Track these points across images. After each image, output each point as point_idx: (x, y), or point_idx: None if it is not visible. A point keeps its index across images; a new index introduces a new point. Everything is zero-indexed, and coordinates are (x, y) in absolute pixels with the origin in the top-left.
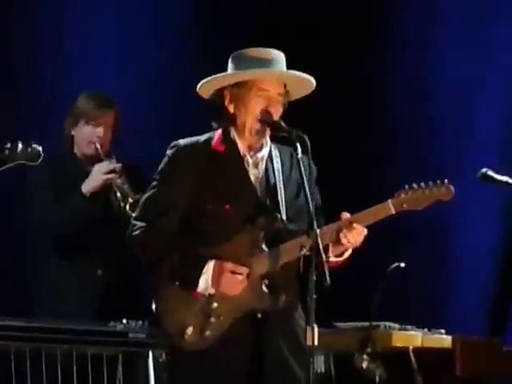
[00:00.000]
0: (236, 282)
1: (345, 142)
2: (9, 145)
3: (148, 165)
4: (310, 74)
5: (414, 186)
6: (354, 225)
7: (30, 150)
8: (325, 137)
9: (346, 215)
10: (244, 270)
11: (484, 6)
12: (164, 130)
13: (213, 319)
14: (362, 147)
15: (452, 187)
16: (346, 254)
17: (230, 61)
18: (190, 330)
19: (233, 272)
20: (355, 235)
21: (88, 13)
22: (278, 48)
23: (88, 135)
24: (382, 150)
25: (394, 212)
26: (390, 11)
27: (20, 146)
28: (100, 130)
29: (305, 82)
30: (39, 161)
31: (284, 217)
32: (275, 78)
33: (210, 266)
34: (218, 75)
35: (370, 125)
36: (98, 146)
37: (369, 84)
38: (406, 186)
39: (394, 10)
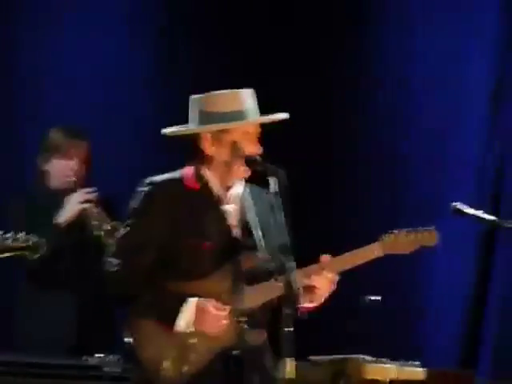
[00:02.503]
0: (218, 321)
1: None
2: (10, 234)
3: (118, 196)
4: None
5: (398, 230)
6: (324, 272)
7: (31, 242)
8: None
9: (326, 258)
10: (226, 309)
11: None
12: (129, 160)
13: (192, 355)
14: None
15: (437, 233)
16: (319, 302)
17: (193, 106)
18: (166, 365)
19: (215, 311)
20: (324, 281)
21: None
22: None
23: (62, 169)
24: (356, 178)
25: (377, 255)
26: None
27: (23, 236)
28: (74, 163)
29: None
30: (40, 253)
31: (262, 255)
32: (256, 124)
33: (190, 305)
34: (198, 129)
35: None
36: (73, 179)
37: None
38: (390, 231)
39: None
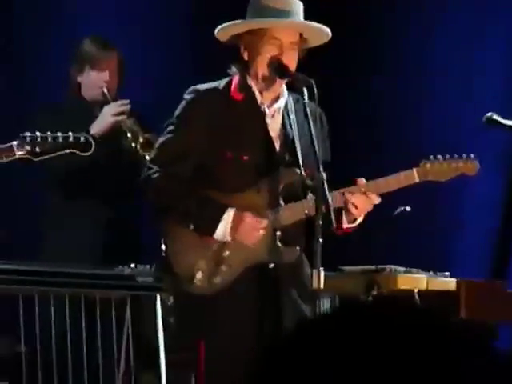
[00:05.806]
0: (254, 231)
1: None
2: (59, 133)
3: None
4: None
5: (440, 157)
6: (367, 193)
7: (82, 139)
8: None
9: (361, 180)
10: (263, 222)
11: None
12: (164, 75)
13: (224, 267)
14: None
15: (477, 162)
16: (358, 221)
17: (248, 7)
18: (199, 275)
19: (252, 221)
20: (363, 202)
21: None
22: None
23: (95, 80)
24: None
25: (417, 181)
26: None
27: (71, 134)
28: (106, 74)
29: (320, 32)
30: (91, 151)
31: (303, 172)
32: (288, 27)
33: (230, 214)
34: (231, 23)
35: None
36: (106, 91)
37: None
38: (431, 157)
39: None
